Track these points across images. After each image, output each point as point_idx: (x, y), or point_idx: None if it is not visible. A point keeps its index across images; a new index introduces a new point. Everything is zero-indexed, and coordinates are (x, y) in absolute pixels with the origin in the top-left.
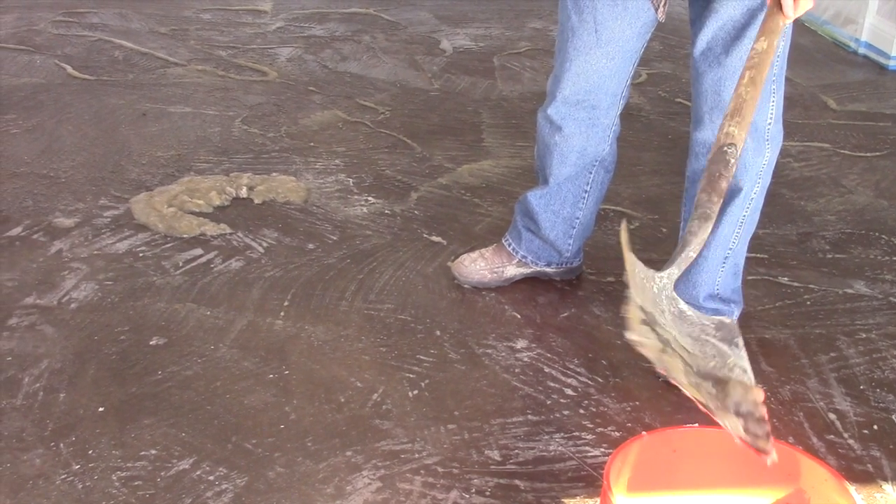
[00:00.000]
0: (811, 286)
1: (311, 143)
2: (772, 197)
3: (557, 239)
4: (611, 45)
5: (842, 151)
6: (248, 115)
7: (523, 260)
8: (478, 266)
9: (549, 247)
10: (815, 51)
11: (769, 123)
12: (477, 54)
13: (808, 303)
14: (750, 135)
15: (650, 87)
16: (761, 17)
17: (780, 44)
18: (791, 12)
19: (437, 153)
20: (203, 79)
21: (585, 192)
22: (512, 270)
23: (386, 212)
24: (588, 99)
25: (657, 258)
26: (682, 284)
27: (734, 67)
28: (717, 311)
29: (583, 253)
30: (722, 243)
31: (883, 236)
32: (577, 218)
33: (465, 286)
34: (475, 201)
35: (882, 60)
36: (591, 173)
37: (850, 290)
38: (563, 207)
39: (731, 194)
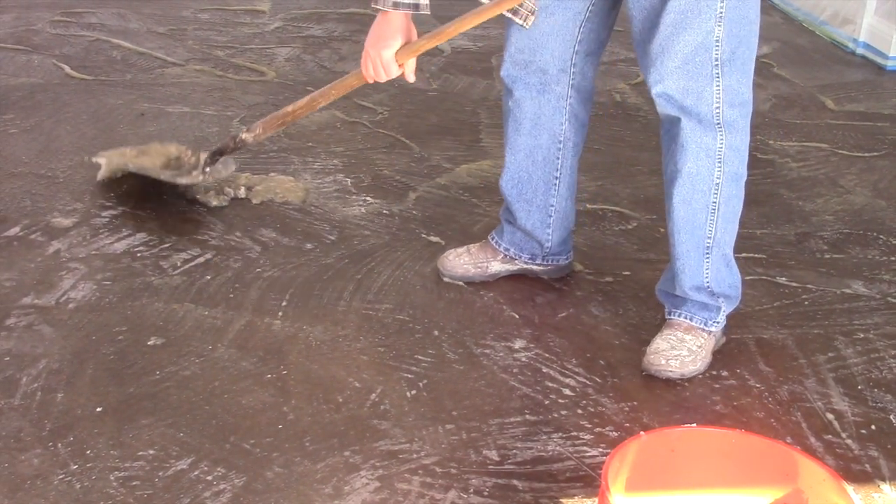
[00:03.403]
0: (809, 286)
1: (310, 144)
2: (770, 197)
3: (535, 229)
4: None
5: (840, 151)
6: (247, 114)
7: (506, 254)
8: (462, 260)
9: (528, 238)
10: (812, 51)
11: (717, 108)
12: (475, 54)
13: (806, 303)
14: (690, 117)
15: None
16: (672, 2)
17: (717, 29)
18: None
19: (436, 153)
20: (201, 79)
21: (556, 178)
22: (496, 266)
23: (384, 212)
24: (534, 60)
25: (655, 258)
26: (668, 275)
27: (655, 53)
28: (704, 306)
29: (572, 251)
30: (693, 230)
31: (881, 236)
32: (552, 206)
33: (447, 279)
34: (473, 201)
35: (880, 61)
36: (557, 158)
37: (847, 290)
38: (535, 195)
39: (673, 175)
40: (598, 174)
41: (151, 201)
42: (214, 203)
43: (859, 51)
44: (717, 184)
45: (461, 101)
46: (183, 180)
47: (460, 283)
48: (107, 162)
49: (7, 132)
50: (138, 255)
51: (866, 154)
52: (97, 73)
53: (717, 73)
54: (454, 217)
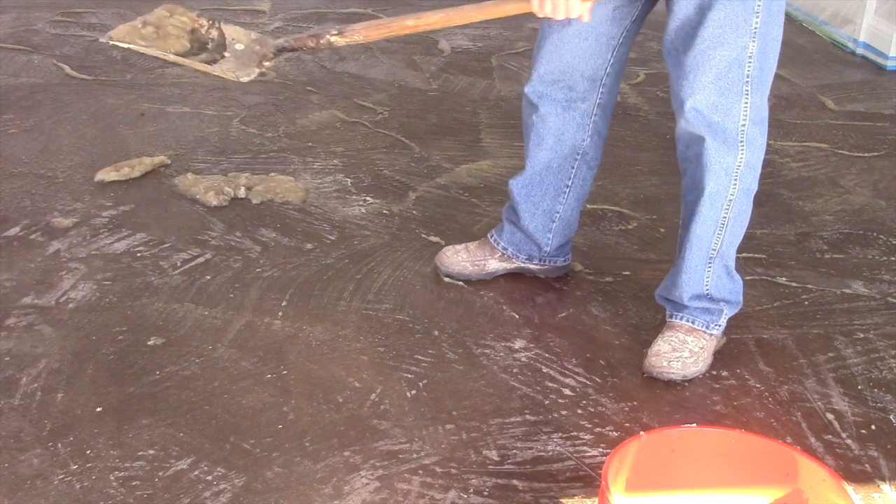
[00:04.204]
0: (809, 286)
1: (310, 144)
2: (770, 197)
3: (537, 231)
4: (582, 23)
5: (840, 152)
6: (247, 115)
7: (504, 252)
8: (460, 258)
9: (528, 240)
10: (812, 51)
11: (742, 125)
12: (475, 54)
13: (806, 303)
14: (716, 135)
15: (648, 87)
16: (712, 15)
17: (751, 45)
18: (536, 8)
19: (436, 153)
20: (201, 79)
21: (567, 186)
22: (494, 264)
23: (384, 212)
24: (563, 79)
25: (655, 258)
26: (669, 282)
27: (690, 66)
28: (706, 311)
29: (570, 253)
30: (701, 244)
31: (881, 236)
32: (557, 212)
33: (444, 276)
34: (473, 201)
35: (880, 61)
36: (573, 168)
37: (847, 290)
38: (543, 199)
39: (696, 193)
40: (598, 174)
41: (152, 201)
42: (214, 203)
43: (859, 51)
44: (731, 200)
45: (461, 101)
46: (243, 77)
47: (459, 281)
48: (125, 42)
49: (7, 132)
50: (138, 255)
51: (866, 154)
52: (97, 73)
53: (747, 91)
54: (454, 217)
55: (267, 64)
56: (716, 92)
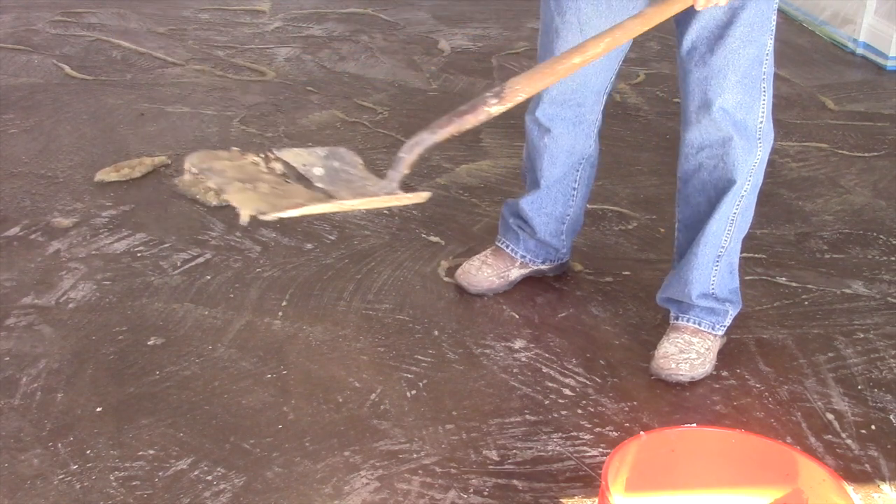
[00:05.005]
0: (809, 286)
1: (310, 144)
2: (770, 197)
3: (552, 238)
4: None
5: (840, 152)
6: (246, 115)
7: (523, 260)
8: (485, 273)
9: (543, 245)
10: (813, 51)
11: (760, 122)
12: (475, 54)
13: (806, 303)
14: (740, 133)
15: (648, 87)
16: (743, 14)
17: (769, 42)
18: (703, 2)
19: (435, 153)
20: (201, 79)
21: (574, 189)
22: (515, 273)
23: (384, 212)
24: (574, 97)
25: (655, 258)
26: (674, 282)
27: (718, 66)
28: (711, 311)
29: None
30: (713, 241)
31: (881, 236)
32: (568, 215)
33: (474, 294)
34: (473, 201)
35: (880, 61)
36: (578, 171)
37: (847, 290)
38: (554, 208)
39: (722, 190)
40: (599, 174)
41: (152, 201)
42: (214, 203)
43: (859, 51)
44: (743, 196)
45: (461, 101)
46: (387, 202)
47: (487, 295)
48: (286, 211)
49: (7, 132)
50: (138, 255)
51: (866, 154)
52: (97, 73)
53: (764, 87)
54: (454, 217)
55: (406, 171)
56: (741, 90)
